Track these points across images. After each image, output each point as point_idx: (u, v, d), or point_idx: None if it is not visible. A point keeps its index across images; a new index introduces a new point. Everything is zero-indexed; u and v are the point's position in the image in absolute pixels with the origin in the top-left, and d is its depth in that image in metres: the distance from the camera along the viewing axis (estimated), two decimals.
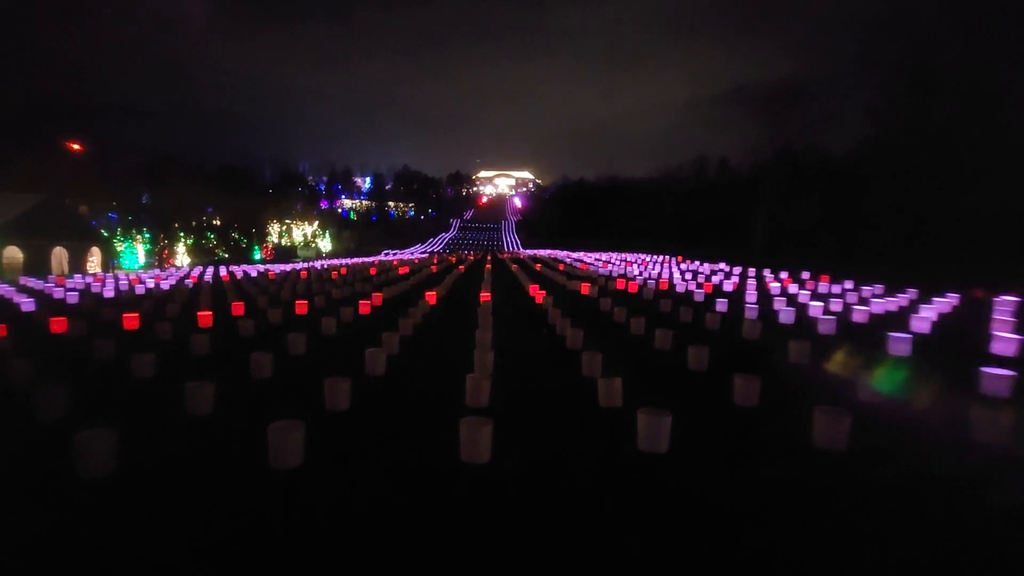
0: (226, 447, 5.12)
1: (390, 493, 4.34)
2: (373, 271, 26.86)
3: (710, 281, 21.10)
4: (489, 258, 43.08)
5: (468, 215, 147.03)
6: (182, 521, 3.91)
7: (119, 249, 49.69)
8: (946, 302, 13.30)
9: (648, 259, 37.30)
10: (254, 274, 28.92)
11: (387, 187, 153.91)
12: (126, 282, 21.93)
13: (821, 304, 12.69)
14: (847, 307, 12.85)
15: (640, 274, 24.75)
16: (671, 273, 25.20)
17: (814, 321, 10.67)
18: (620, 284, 19.14)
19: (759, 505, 4.19)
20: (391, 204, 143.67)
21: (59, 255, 35.46)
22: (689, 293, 16.65)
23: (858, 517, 3.84)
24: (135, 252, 53.42)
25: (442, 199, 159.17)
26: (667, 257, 37.76)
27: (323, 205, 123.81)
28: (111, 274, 30.27)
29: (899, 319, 11.18)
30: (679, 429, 4.27)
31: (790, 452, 4.86)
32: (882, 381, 6.34)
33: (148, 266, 50.42)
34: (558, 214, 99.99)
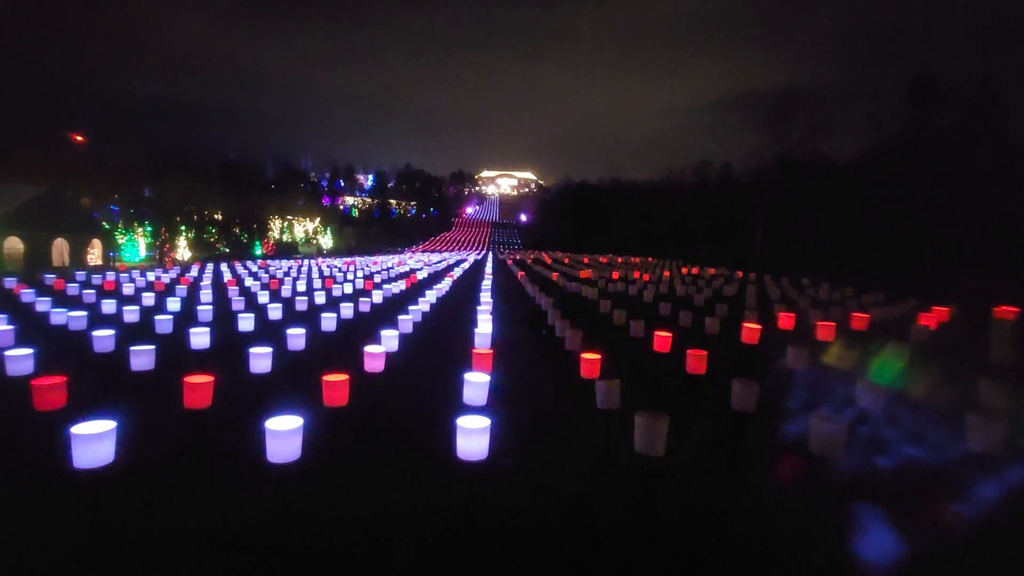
0: (223, 442, 5.13)
1: (386, 490, 4.35)
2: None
3: (711, 286, 21.08)
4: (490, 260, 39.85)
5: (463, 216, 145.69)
6: (178, 516, 3.92)
7: (120, 242, 49.74)
8: (944, 310, 13.29)
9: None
10: (255, 268, 28.85)
11: (389, 185, 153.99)
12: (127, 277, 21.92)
13: (820, 311, 12.68)
14: (846, 314, 12.85)
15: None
16: (672, 279, 25.16)
17: (812, 327, 10.68)
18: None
19: (756, 509, 4.20)
20: (393, 202, 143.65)
21: (60, 247, 35.50)
22: (689, 297, 16.67)
23: (854, 522, 3.84)
24: (136, 245, 53.50)
25: (444, 198, 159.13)
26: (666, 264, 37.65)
27: (325, 202, 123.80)
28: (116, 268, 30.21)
29: (899, 327, 11.17)
30: (676, 432, 4.30)
31: (786, 457, 4.86)
32: (882, 373, 6.38)
33: (149, 260, 50.44)
34: (560, 216, 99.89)
